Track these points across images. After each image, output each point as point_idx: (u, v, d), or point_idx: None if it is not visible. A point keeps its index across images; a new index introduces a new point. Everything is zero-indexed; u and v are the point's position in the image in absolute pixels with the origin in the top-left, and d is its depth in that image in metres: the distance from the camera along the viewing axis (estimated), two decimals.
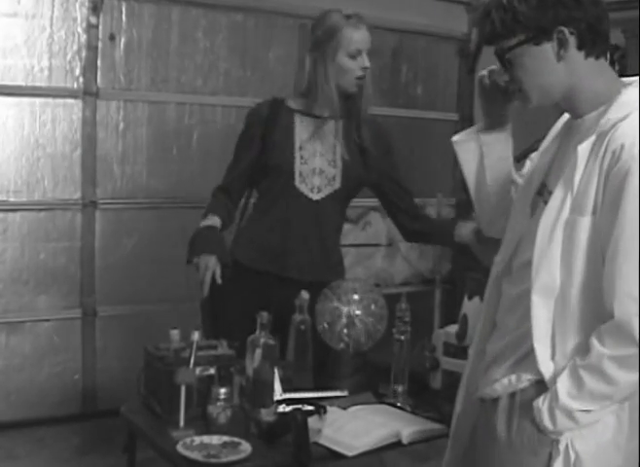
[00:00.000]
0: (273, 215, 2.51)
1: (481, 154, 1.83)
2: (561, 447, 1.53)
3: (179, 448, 1.86)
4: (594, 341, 1.48)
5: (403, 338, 2.28)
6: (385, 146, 2.57)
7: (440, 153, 4.88)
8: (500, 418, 1.60)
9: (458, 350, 2.28)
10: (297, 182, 2.46)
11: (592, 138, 1.53)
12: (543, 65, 1.57)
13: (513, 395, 1.60)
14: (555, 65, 1.56)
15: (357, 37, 2.38)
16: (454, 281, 4.77)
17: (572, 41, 1.54)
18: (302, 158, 2.47)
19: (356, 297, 2.35)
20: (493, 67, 1.70)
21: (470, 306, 2.30)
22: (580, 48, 1.55)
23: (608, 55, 1.62)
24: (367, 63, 2.39)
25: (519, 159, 2.48)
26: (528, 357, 1.57)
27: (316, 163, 2.48)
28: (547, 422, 1.52)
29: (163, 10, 3.93)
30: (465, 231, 2.44)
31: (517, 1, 1.53)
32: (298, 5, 4.04)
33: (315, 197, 2.49)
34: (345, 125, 2.51)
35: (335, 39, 2.38)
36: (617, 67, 4.03)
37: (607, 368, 1.46)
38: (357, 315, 2.33)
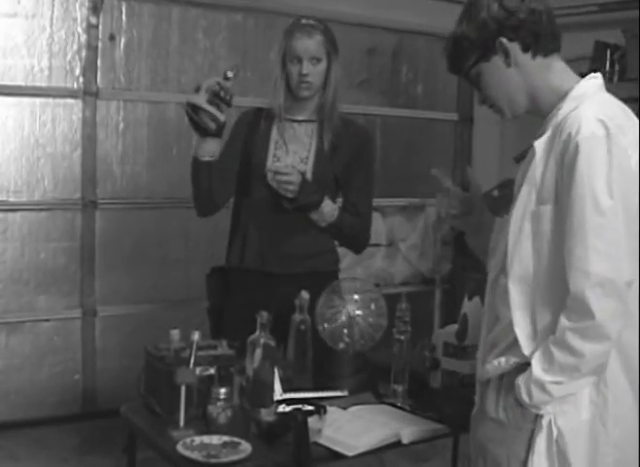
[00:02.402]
0: (251, 214, 2.59)
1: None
2: (544, 422, 1.61)
3: (179, 448, 1.86)
4: (561, 317, 1.57)
5: (403, 338, 2.27)
6: (351, 146, 2.60)
7: (440, 153, 4.88)
8: (490, 397, 1.70)
9: (458, 350, 2.29)
10: (269, 179, 2.54)
11: (548, 133, 1.64)
12: (498, 76, 1.71)
13: (501, 377, 1.69)
14: (509, 73, 1.69)
15: (299, 46, 2.49)
16: (454, 281, 4.77)
17: (515, 47, 1.67)
18: (274, 156, 2.58)
19: (356, 297, 2.36)
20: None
21: (470, 306, 2.30)
22: (525, 50, 1.68)
23: (559, 51, 1.71)
24: (304, 71, 2.48)
25: (519, 159, 2.48)
26: (517, 342, 1.65)
27: (288, 161, 2.56)
28: (524, 396, 1.60)
29: (163, 10, 3.93)
30: None
31: (460, 30, 1.71)
32: (298, 5, 4.04)
33: None
34: (319, 127, 2.60)
35: (285, 44, 2.52)
36: (617, 67, 4.03)
37: (570, 340, 1.55)
38: (357, 315, 2.34)
